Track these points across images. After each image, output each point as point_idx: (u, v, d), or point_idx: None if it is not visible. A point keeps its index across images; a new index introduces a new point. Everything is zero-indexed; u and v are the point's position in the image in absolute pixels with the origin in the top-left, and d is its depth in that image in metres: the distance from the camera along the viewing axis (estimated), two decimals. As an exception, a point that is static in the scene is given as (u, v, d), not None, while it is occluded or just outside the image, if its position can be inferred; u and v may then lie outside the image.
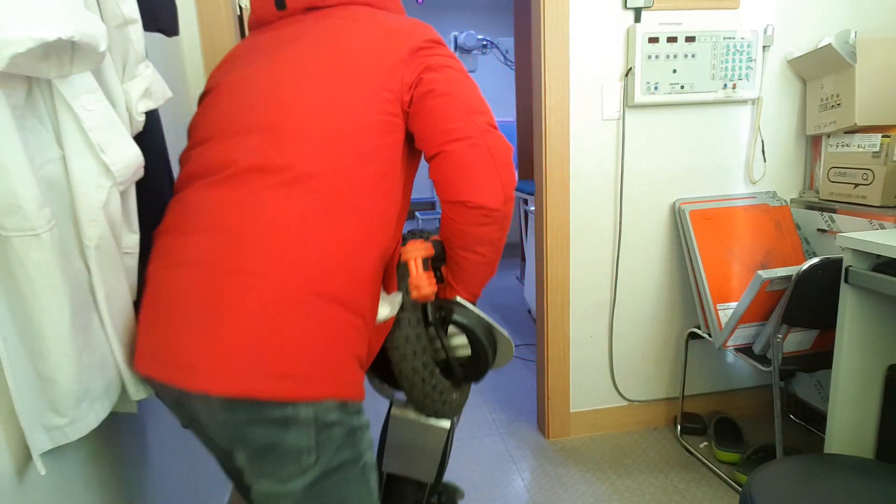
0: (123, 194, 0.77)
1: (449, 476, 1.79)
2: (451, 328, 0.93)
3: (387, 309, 0.83)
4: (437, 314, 0.91)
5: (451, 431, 1.02)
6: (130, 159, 0.72)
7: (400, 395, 1.00)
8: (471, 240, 0.83)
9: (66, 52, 0.60)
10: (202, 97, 0.89)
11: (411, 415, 1.00)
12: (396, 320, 0.87)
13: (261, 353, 0.64)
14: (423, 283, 0.84)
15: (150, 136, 0.90)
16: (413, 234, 1.03)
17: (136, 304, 0.80)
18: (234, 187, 0.71)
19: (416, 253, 0.86)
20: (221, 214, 0.70)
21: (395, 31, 0.82)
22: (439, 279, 0.92)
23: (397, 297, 0.87)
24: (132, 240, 0.82)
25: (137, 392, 0.78)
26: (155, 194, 0.94)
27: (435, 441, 1.01)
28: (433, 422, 0.99)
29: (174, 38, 1.42)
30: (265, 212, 0.69)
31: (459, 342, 0.94)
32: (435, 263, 0.92)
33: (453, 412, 0.98)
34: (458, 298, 0.92)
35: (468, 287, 0.92)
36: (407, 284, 0.86)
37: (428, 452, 1.02)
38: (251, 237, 0.68)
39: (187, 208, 0.75)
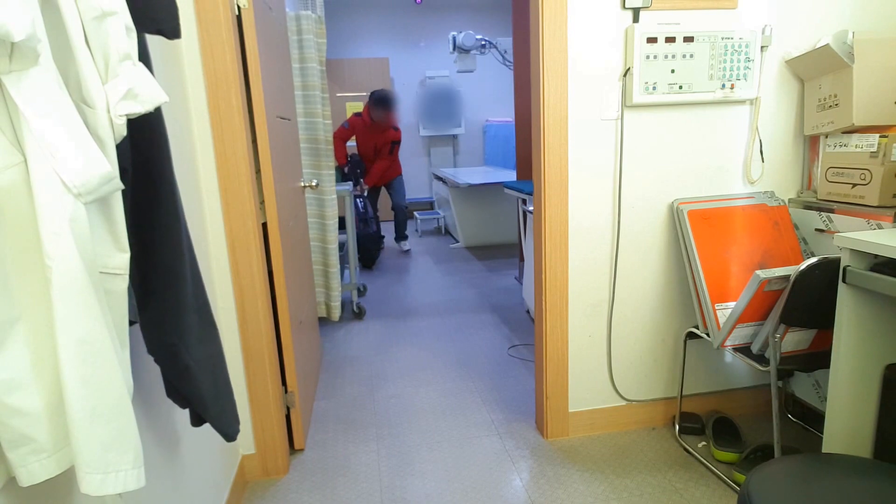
0: (105, 207, 0.71)
1: (447, 475, 1.79)
2: None
3: None
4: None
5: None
6: (92, 169, 0.63)
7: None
8: None
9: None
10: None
11: None
12: None
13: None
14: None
15: (147, 142, 0.88)
16: None
17: (132, 323, 0.78)
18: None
19: None
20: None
21: None
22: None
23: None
24: (120, 259, 0.74)
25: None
26: (153, 206, 0.90)
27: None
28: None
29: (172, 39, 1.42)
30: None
31: None
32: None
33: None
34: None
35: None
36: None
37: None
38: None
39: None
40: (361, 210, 4.42)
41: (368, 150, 4.54)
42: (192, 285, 1.00)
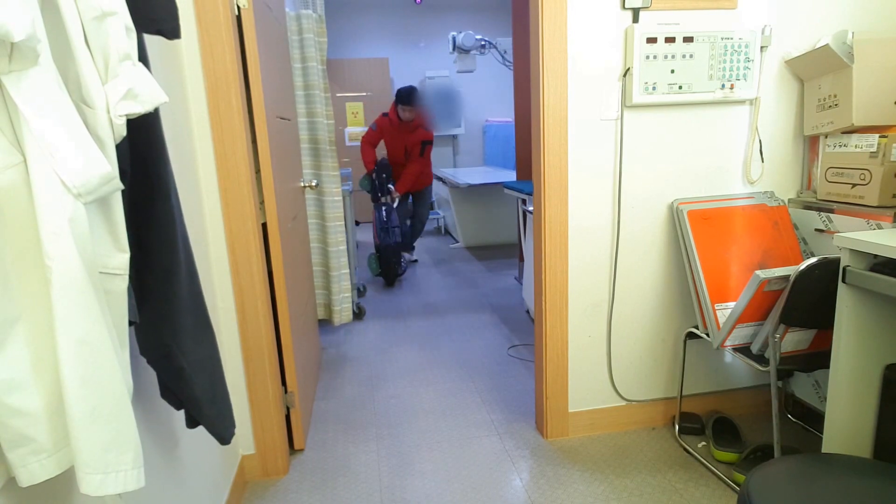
0: (105, 208, 0.71)
1: (447, 475, 1.79)
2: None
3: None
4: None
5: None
6: (92, 169, 0.63)
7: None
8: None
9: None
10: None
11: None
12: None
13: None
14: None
15: (145, 142, 0.88)
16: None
17: (132, 324, 0.78)
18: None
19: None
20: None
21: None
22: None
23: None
24: (120, 259, 0.74)
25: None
26: (149, 208, 0.90)
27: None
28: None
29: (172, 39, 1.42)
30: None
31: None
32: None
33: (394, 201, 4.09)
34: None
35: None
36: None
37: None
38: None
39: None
40: (384, 219, 4.01)
41: (398, 153, 4.20)
42: (187, 287, 0.99)
